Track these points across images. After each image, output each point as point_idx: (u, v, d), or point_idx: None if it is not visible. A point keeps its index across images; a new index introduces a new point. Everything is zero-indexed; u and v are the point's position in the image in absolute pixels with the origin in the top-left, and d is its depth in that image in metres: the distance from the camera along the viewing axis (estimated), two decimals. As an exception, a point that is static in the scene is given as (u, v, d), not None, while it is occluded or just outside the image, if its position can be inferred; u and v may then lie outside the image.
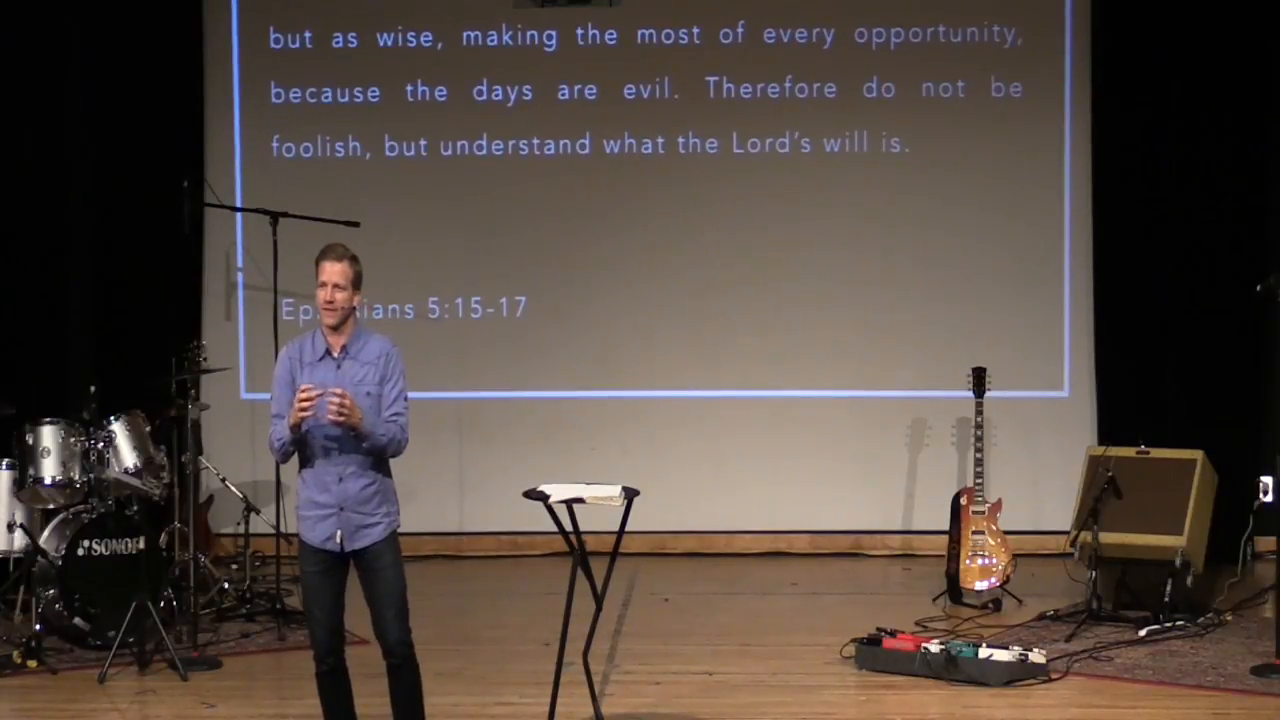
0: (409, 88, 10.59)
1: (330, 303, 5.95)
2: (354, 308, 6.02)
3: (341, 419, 5.80)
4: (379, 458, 5.98)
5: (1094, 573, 8.61)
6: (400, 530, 6.08)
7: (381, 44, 10.60)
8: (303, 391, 5.80)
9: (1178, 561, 8.46)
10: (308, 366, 5.99)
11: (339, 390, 5.82)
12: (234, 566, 9.59)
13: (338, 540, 5.92)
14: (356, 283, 6.00)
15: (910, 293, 10.47)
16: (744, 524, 10.57)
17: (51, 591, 8.13)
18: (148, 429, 8.67)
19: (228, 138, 10.64)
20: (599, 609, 6.80)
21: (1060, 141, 10.39)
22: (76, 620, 8.09)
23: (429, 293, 10.62)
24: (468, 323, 10.63)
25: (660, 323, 10.57)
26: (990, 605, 8.94)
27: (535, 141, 10.59)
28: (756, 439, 10.53)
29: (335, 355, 5.99)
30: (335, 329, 5.99)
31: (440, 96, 10.61)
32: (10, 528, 8.55)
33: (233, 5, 10.62)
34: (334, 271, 5.95)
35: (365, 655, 6.16)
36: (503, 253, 10.62)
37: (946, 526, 9.20)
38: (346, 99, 10.62)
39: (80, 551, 8.15)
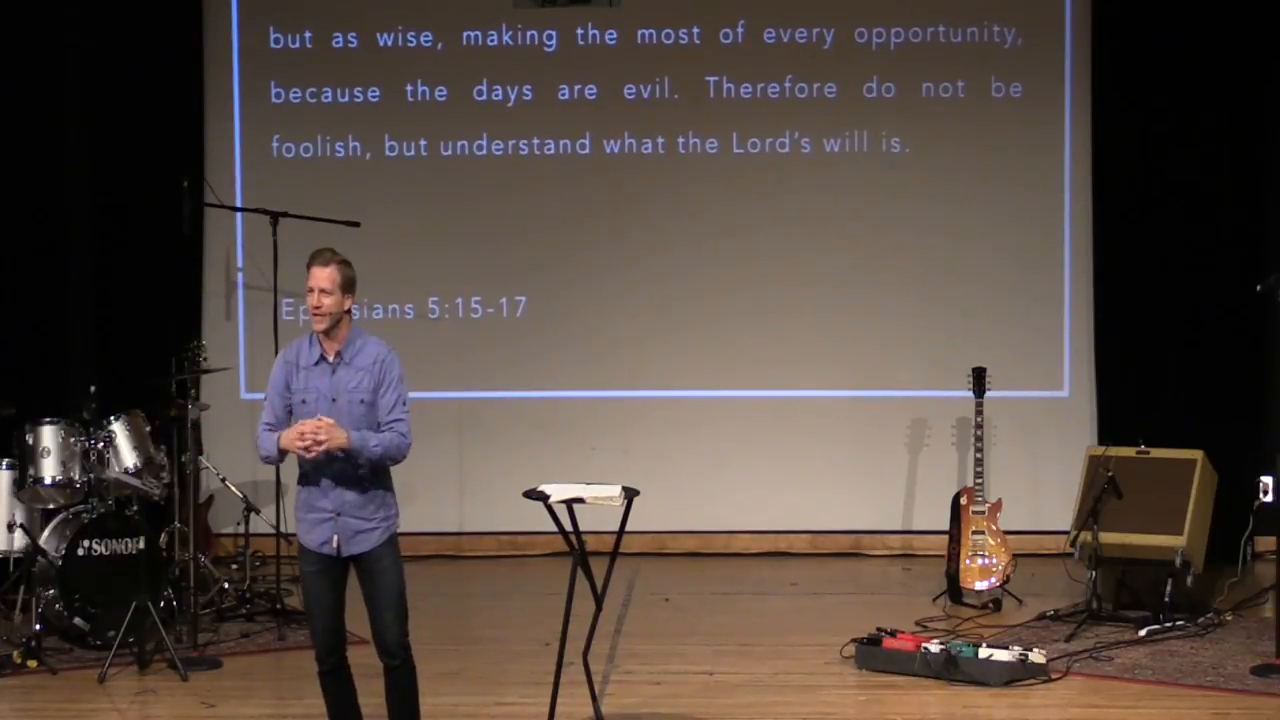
0: (409, 88, 10.59)
1: (318, 308, 5.85)
2: (346, 311, 5.91)
3: (315, 454, 5.74)
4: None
5: (1094, 573, 8.61)
6: (400, 530, 6.05)
7: (381, 44, 10.59)
8: (306, 429, 5.72)
9: (1178, 561, 8.46)
10: (303, 371, 5.93)
11: (315, 423, 5.73)
12: (234, 566, 9.59)
13: (334, 545, 5.89)
14: (347, 287, 5.89)
15: (910, 293, 10.47)
16: (744, 524, 10.57)
17: (51, 591, 8.13)
18: (148, 429, 8.66)
19: (228, 138, 10.63)
20: (599, 609, 6.80)
21: (1060, 141, 10.38)
22: (76, 620, 8.09)
23: (429, 293, 10.61)
24: (468, 323, 10.63)
25: (660, 323, 10.57)
26: (990, 605, 8.94)
27: (535, 141, 10.59)
28: (756, 439, 10.52)
29: (330, 360, 5.92)
30: (327, 334, 5.91)
31: (440, 96, 10.61)
32: (10, 528, 8.54)
33: (233, 5, 10.61)
34: (321, 276, 5.85)
35: (363, 654, 6.15)
36: (503, 253, 10.62)
37: (946, 526, 9.20)
38: (346, 99, 10.62)
39: (80, 551, 8.14)
